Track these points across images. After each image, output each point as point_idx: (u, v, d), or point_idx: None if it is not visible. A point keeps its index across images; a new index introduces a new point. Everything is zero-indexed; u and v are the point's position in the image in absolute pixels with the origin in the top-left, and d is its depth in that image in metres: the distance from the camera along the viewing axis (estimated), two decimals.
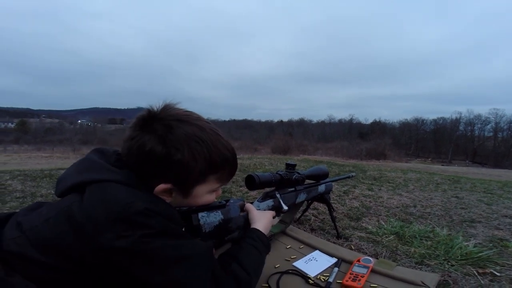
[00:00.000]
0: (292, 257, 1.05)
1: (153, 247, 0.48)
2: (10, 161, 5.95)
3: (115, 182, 0.53)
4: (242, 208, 0.82)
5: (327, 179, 1.34)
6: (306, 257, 1.05)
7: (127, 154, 0.57)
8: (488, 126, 45.30)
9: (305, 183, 1.20)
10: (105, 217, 0.47)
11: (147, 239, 0.48)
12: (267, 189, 1.04)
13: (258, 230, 0.74)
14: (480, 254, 1.23)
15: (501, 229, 1.71)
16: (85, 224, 0.47)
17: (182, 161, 0.55)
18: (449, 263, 1.17)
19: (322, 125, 62.61)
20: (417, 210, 2.09)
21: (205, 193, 0.63)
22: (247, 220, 0.81)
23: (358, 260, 1.00)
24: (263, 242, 0.72)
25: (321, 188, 1.30)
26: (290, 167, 1.09)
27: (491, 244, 1.42)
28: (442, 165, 21.36)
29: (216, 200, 0.72)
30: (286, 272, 0.93)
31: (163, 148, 0.54)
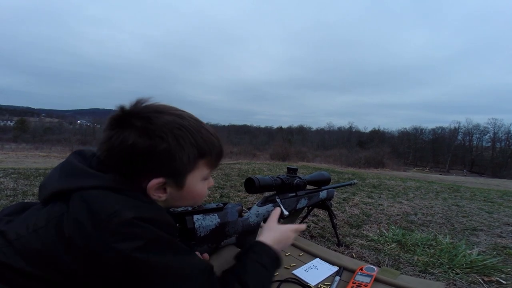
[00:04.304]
0: (291, 265, 1.00)
1: (140, 261, 0.43)
2: (6, 159, 5.89)
3: (100, 189, 0.48)
4: (240, 213, 0.78)
5: (329, 185, 1.31)
6: (306, 265, 1.01)
7: (107, 156, 0.52)
8: (486, 136, 45.60)
9: (306, 188, 1.16)
10: (91, 227, 0.43)
11: (135, 252, 0.43)
12: (267, 194, 1.01)
13: (262, 243, 0.67)
14: (485, 262, 1.20)
15: (504, 237, 1.68)
16: (73, 236, 0.44)
17: (169, 150, 0.51)
18: (454, 271, 1.14)
19: (321, 132, 62.84)
20: (418, 218, 2.06)
21: (198, 181, 0.59)
22: (244, 226, 0.78)
23: (361, 269, 0.96)
24: (269, 255, 0.65)
25: (323, 194, 1.27)
26: (292, 171, 1.05)
27: (494, 252, 1.40)
28: (440, 174, 21.39)
29: (213, 202, 0.69)
30: (286, 281, 0.89)
31: (146, 140, 0.50)
